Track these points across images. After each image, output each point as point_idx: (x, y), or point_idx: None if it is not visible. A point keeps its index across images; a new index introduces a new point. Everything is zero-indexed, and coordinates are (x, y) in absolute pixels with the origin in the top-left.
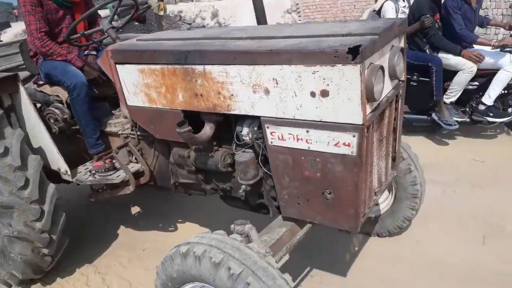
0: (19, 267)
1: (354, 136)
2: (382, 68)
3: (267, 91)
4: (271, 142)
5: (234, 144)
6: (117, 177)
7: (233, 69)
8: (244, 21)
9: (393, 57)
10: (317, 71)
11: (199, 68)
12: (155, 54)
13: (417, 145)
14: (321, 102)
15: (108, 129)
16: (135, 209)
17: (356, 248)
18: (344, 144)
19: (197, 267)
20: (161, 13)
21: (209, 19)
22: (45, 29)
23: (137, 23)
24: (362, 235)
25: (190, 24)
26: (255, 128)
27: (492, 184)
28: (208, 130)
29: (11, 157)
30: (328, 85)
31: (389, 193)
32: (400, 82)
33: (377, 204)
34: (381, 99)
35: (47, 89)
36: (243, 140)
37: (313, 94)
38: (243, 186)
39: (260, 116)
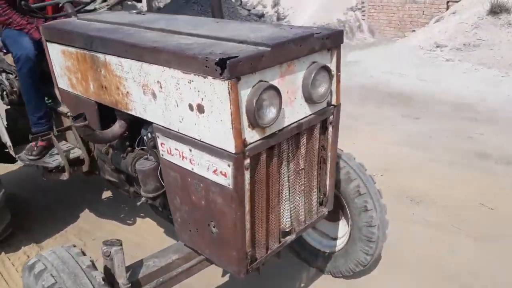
0: None
1: (229, 166)
2: (274, 88)
3: (154, 95)
4: (162, 155)
5: (138, 149)
6: (53, 161)
7: (126, 63)
8: (305, 13)
9: (309, 76)
10: (192, 81)
11: (101, 57)
12: (72, 36)
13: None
14: (198, 118)
15: (60, 108)
16: (107, 193)
17: (302, 285)
18: (221, 172)
19: (33, 286)
20: None
21: (270, 7)
22: None
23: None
24: (314, 269)
25: (249, 10)
26: (152, 135)
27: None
28: (117, 128)
29: None
30: (202, 99)
31: (348, 228)
32: (330, 107)
33: (334, 239)
34: (281, 126)
35: (9, 58)
36: (146, 146)
37: (191, 107)
38: (143, 199)
39: (152, 123)
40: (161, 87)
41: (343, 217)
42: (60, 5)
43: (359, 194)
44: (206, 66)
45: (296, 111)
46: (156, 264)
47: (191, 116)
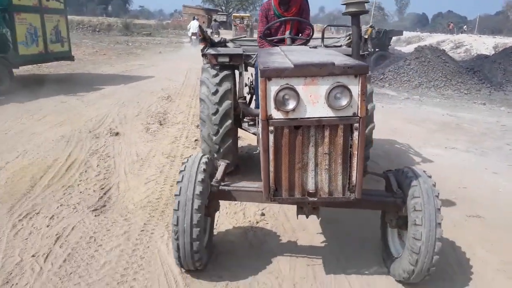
0: None
1: (260, 127)
2: (293, 89)
3: None
4: None
5: None
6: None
7: None
8: None
9: (329, 89)
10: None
11: None
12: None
13: None
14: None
15: None
16: None
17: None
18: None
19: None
20: (366, 36)
21: None
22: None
23: None
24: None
25: None
26: None
27: None
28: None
29: None
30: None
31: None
32: (356, 117)
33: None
34: (303, 116)
35: None
36: None
37: None
38: None
39: None
40: None
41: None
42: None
43: (414, 197)
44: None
45: (318, 110)
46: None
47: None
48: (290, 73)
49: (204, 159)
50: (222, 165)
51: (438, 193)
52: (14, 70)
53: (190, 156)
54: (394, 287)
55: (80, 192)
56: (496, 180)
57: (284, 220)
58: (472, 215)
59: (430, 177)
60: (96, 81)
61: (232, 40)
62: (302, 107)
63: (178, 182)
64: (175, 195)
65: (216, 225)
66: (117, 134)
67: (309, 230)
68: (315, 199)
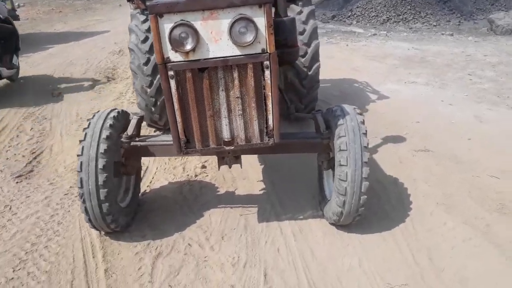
0: None
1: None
2: (190, 26)
3: None
4: None
5: None
6: None
7: None
8: None
9: (231, 24)
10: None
11: None
12: None
13: None
14: None
15: None
16: None
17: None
18: None
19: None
20: None
21: None
22: None
23: None
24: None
25: None
26: None
27: None
28: None
29: None
30: None
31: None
32: (265, 54)
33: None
34: (206, 56)
35: None
36: None
37: None
38: None
39: None
40: None
41: None
42: None
43: (340, 150)
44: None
45: (222, 49)
46: None
47: None
48: (184, 7)
49: (113, 114)
50: (134, 118)
51: (366, 131)
52: None
53: (97, 111)
54: (328, 230)
55: (7, 159)
56: (451, 112)
57: (225, 171)
58: (421, 150)
59: (360, 114)
60: (46, 41)
61: None
62: (203, 46)
63: (80, 141)
64: (77, 155)
65: (151, 182)
66: (59, 94)
67: (249, 178)
68: (232, 147)
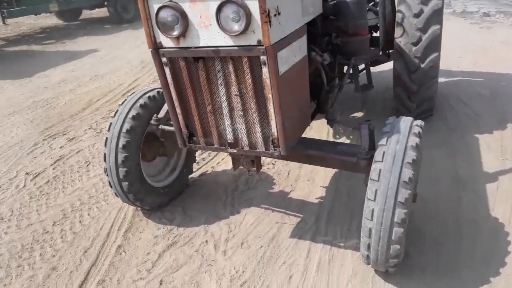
0: None
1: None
2: (176, 8)
3: None
4: None
5: None
6: None
7: None
8: None
9: (217, 8)
10: None
11: None
12: None
13: None
14: None
15: None
16: None
17: None
18: None
19: None
20: None
21: None
22: None
23: None
24: None
25: None
26: None
27: None
28: None
29: None
30: None
31: None
32: (260, 47)
33: None
34: (197, 44)
35: None
36: None
37: None
38: None
39: None
40: None
41: None
42: None
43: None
44: None
45: (213, 36)
46: None
47: None
48: None
49: (150, 94)
50: None
51: (414, 159)
52: None
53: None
54: (361, 271)
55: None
56: None
57: (295, 167)
58: None
59: (418, 134)
60: None
61: None
62: (193, 32)
63: (111, 117)
64: (107, 130)
65: (218, 163)
66: None
67: (315, 180)
68: (235, 151)
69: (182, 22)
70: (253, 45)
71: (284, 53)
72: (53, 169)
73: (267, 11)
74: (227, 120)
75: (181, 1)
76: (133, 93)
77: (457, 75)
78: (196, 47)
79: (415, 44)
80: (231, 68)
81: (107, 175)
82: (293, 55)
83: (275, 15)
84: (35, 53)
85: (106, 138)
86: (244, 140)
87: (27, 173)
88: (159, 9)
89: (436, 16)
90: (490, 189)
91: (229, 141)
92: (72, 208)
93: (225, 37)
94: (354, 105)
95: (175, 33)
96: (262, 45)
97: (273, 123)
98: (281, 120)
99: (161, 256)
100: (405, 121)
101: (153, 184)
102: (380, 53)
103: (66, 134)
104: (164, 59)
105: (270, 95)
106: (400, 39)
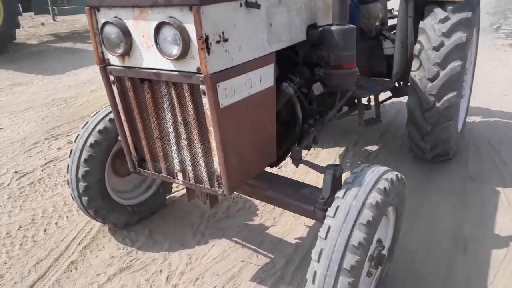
0: None
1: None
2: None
3: None
4: None
5: None
6: None
7: None
8: None
9: (156, 30)
10: None
11: None
12: None
13: None
14: None
15: None
16: None
17: None
18: None
19: None
20: None
21: None
22: None
23: None
24: None
25: None
26: None
27: None
28: None
29: None
30: None
31: None
32: (199, 75)
33: None
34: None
35: None
36: None
37: None
38: None
39: None
40: None
41: None
42: None
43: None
44: None
45: (155, 58)
46: None
47: None
48: (114, 1)
49: None
50: None
51: (370, 220)
52: None
53: None
54: None
55: None
56: None
57: None
58: None
59: (382, 191)
60: None
61: None
62: (137, 52)
63: (81, 128)
64: (74, 141)
65: None
66: None
67: (300, 217)
68: (181, 182)
69: (126, 40)
70: (193, 72)
71: (231, 84)
72: (42, 170)
73: (204, 37)
74: (174, 148)
75: (126, 18)
76: (107, 105)
77: (496, 115)
78: (139, 68)
79: (432, 80)
80: (173, 94)
81: (69, 187)
82: (248, 86)
83: (218, 41)
84: (77, 51)
85: (71, 150)
86: (190, 173)
87: (15, 172)
88: (103, 24)
89: (459, 51)
90: (495, 257)
91: (176, 171)
92: (43, 214)
93: (165, 60)
94: (370, 135)
95: (119, 51)
96: (201, 73)
97: (215, 159)
98: (223, 157)
99: (110, 280)
100: (374, 173)
101: (120, 201)
102: (396, 85)
103: (69, 135)
104: (111, 77)
105: (211, 128)
106: (416, 73)
